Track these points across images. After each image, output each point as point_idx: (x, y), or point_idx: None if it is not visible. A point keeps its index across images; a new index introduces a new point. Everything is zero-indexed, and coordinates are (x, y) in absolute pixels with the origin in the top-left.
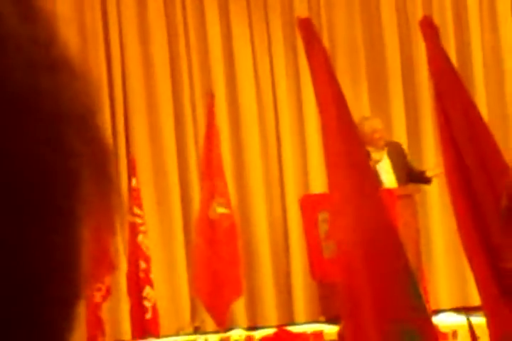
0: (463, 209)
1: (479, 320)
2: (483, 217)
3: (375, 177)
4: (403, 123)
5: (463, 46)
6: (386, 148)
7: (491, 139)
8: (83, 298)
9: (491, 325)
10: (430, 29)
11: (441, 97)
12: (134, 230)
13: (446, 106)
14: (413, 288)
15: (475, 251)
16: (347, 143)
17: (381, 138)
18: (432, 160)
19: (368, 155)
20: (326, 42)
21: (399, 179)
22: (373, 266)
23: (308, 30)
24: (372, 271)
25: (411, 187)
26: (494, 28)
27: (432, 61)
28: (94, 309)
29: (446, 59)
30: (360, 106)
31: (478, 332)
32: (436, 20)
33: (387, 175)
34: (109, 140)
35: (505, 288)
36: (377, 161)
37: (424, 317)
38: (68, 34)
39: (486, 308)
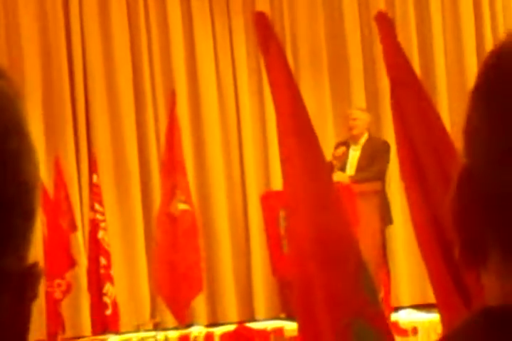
0: (416, 201)
1: (439, 317)
2: (437, 209)
3: (330, 175)
4: None
5: (425, 42)
6: (363, 142)
7: (443, 129)
8: None
9: (444, 319)
10: (385, 23)
11: (395, 90)
12: (94, 226)
13: (401, 99)
14: (367, 283)
15: (429, 244)
16: (302, 141)
17: (352, 129)
18: (392, 153)
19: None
20: (288, 38)
21: (363, 176)
22: (326, 261)
23: (263, 24)
24: (325, 266)
25: (372, 185)
26: (456, 24)
27: (387, 55)
28: (55, 305)
29: (401, 53)
30: (322, 102)
31: (438, 329)
32: (399, 18)
33: (349, 170)
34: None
35: (458, 282)
36: (343, 153)
37: (377, 312)
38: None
39: (439, 303)
